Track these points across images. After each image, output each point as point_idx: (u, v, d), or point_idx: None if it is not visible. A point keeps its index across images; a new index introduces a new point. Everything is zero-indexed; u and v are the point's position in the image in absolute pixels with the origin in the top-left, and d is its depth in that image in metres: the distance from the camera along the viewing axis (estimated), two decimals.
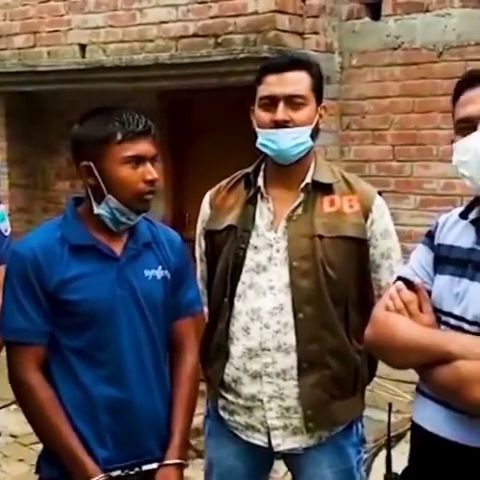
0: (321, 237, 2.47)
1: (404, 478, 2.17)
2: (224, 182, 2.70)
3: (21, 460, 4.86)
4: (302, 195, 2.53)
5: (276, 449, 2.53)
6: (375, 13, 5.31)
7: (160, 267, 2.37)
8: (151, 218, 2.48)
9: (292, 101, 2.47)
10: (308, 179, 2.53)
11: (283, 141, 2.47)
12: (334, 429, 2.55)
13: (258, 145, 2.54)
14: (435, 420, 1.99)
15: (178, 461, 2.32)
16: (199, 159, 6.03)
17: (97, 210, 2.28)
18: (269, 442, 2.53)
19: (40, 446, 4.96)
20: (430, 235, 2.16)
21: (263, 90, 2.51)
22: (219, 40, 5.25)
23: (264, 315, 2.48)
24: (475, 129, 1.95)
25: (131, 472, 2.28)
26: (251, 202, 2.57)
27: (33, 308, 2.23)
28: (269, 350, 2.47)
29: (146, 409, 2.28)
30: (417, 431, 2.07)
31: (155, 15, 5.55)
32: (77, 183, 6.83)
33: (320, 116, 2.56)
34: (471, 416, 1.90)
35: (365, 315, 2.40)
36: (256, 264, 2.52)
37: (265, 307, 2.48)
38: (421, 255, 2.15)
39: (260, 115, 2.51)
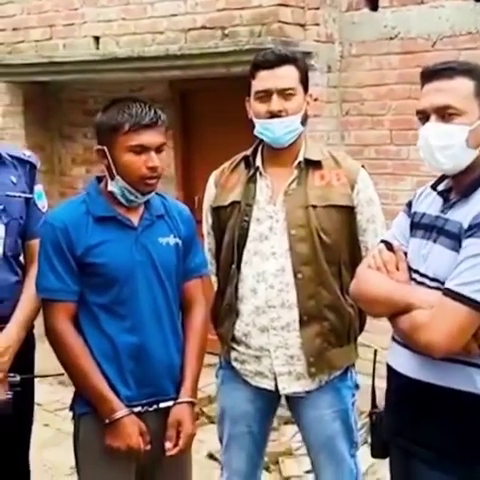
0: (314, 207, 2.82)
1: (385, 414, 2.49)
2: (227, 164, 3.05)
3: (46, 425, 5.22)
4: (296, 172, 2.87)
5: (282, 392, 2.89)
6: (373, 5, 5.46)
7: (172, 235, 2.68)
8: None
9: (284, 93, 2.81)
10: (300, 157, 2.88)
11: (278, 129, 2.82)
12: (332, 373, 2.90)
13: (256, 133, 2.88)
14: (402, 361, 2.32)
15: (190, 399, 2.65)
16: (207, 144, 6.26)
17: (110, 187, 2.61)
18: (276, 386, 2.87)
19: (64, 412, 5.26)
20: (409, 204, 2.47)
21: (258, 85, 2.84)
22: (226, 32, 5.41)
23: (269, 277, 2.83)
24: (428, 119, 2.26)
25: (150, 409, 2.61)
26: (251, 180, 2.91)
27: (64, 270, 2.55)
28: (274, 307, 2.82)
29: (162, 355, 2.61)
30: (389, 372, 2.40)
31: (165, 8, 5.72)
32: (92, 168, 6.99)
33: (307, 103, 2.89)
34: (426, 356, 2.21)
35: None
36: (259, 234, 2.86)
37: (269, 270, 2.83)
38: (400, 221, 2.47)
39: (256, 107, 2.85)
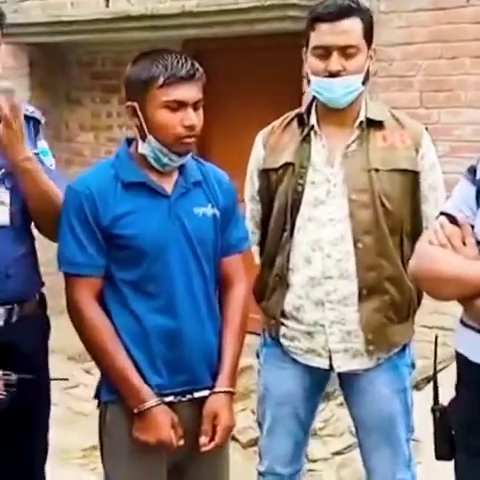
0: (377, 170, 2.63)
1: (450, 408, 2.23)
2: (277, 122, 2.83)
3: (55, 404, 4.93)
4: (357, 132, 2.67)
5: (337, 370, 2.72)
6: None
7: (209, 205, 2.44)
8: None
9: (345, 51, 2.58)
10: (362, 117, 2.68)
11: (336, 90, 2.61)
12: (391, 350, 2.73)
13: (312, 91, 2.67)
14: (477, 349, 2.06)
15: (228, 389, 2.41)
16: (224, 108, 6.01)
17: (141, 149, 2.37)
18: (330, 365, 2.70)
19: (74, 391, 5.00)
20: (472, 170, 2.19)
21: (316, 39, 2.60)
22: None
23: (325, 245, 2.65)
24: None
25: (183, 399, 2.38)
26: (306, 140, 2.71)
27: (89, 242, 2.32)
28: (331, 278, 2.64)
29: (197, 338, 2.37)
30: (461, 361, 2.14)
31: None
32: (101, 135, 6.87)
33: (370, 58, 2.66)
34: None
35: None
36: (314, 198, 2.67)
37: (326, 238, 2.65)
38: (463, 190, 2.19)
39: (313, 63, 2.63)
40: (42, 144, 2.66)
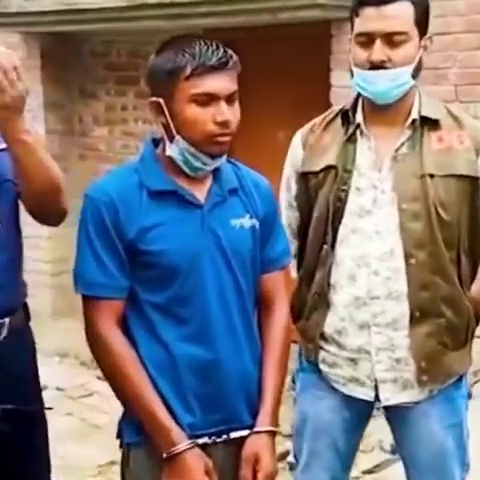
0: (432, 176, 2.34)
1: None
2: (318, 120, 2.56)
3: (69, 414, 4.75)
4: (408, 132, 2.39)
5: (385, 403, 2.43)
6: None
7: (248, 216, 2.18)
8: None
9: (391, 39, 2.29)
10: (414, 115, 2.39)
11: (380, 83, 2.33)
12: (447, 382, 2.44)
13: (354, 85, 2.39)
14: None
15: (270, 428, 2.13)
16: (248, 102, 5.77)
17: (169, 151, 2.09)
18: (376, 396, 2.43)
19: (89, 400, 4.80)
20: None
21: (359, 25, 2.33)
22: None
23: (372, 261, 2.37)
24: None
25: (218, 439, 2.10)
26: (351, 140, 2.43)
27: (111, 259, 2.05)
28: (378, 298, 2.37)
29: (235, 370, 2.10)
30: None
31: None
32: (116, 129, 6.65)
33: (424, 48, 2.38)
34: None
35: (475, 260, 2.36)
36: (359, 207, 2.39)
37: (373, 252, 2.37)
38: None
39: (356, 53, 2.35)
40: None
